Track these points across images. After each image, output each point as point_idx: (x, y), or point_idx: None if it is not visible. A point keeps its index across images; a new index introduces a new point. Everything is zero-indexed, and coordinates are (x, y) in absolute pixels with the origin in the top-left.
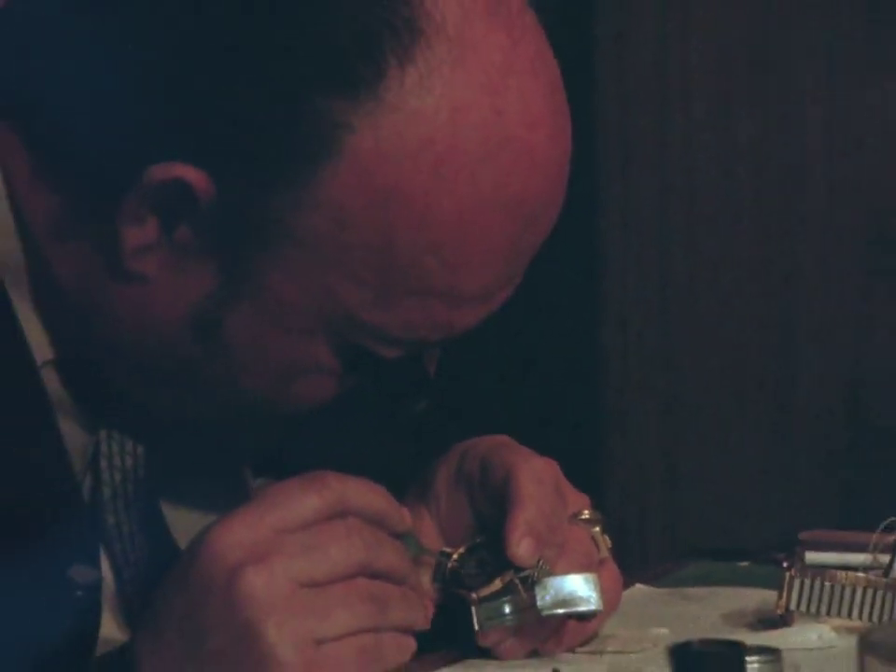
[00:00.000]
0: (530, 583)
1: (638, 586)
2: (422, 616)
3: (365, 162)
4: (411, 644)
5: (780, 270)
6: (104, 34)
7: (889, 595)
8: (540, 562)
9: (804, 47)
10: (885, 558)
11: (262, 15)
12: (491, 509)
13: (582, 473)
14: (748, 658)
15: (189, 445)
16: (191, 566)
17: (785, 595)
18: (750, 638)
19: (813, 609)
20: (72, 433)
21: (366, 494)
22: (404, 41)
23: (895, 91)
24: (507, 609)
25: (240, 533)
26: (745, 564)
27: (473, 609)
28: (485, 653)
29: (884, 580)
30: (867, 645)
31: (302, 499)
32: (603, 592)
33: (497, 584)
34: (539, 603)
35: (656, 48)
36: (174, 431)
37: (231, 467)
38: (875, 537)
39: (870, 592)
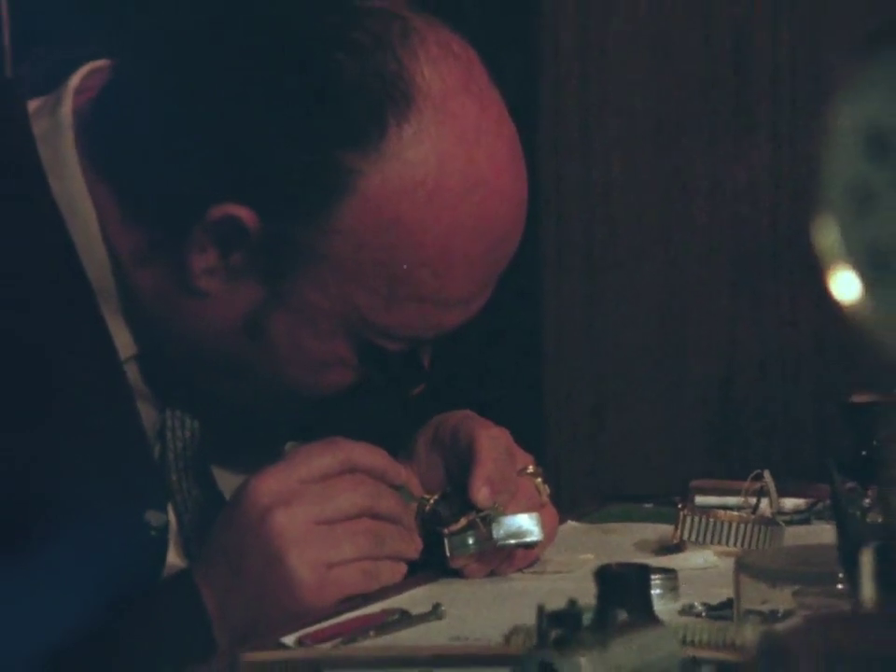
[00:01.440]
0: (488, 521)
1: (570, 522)
2: (412, 549)
3: (373, 199)
4: (402, 569)
5: (671, 289)
6: (179, 108)
7: (756, 528)
8: (496, 505)
9: (695, 125)
10: (753, 500)
11: (297, 95)
12: (458, 466)
13: (527, 436)
14: (652, 576)
15: (234, 420)
16: (234, 509)
17: (679, 528)
18: (654, 562)
19: (700, 540)
20: (146, 411)
21: (369, 455)
22: (401, 107)
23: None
24: (470, 541)
25: (271, 484)
26: (650, 505)
27: (445, 540)
28: (455, 574)
29: (752, 516)
30: (741, 566)
31: (320, 458)
32: (543, 527)
33: (463, 522)
34: (494, 536)
35: (581, 121)
36: (224, 410)
37: (265, 435)
38: (745, 485)
39: (742, 526)
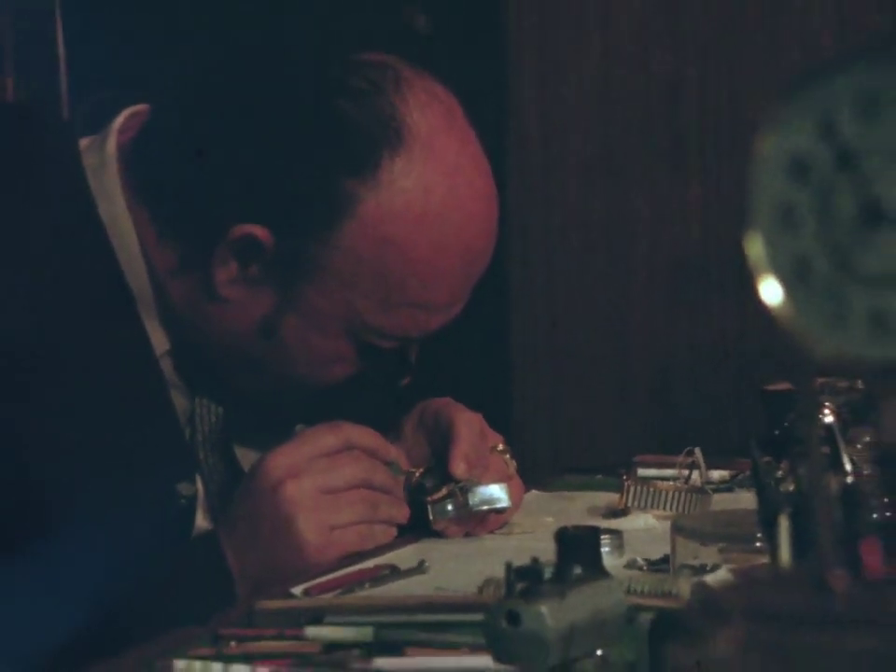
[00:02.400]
0: (465, 491)
1: (533, 491)
2: (402, 514)
3: (370, 220)
4: (393, 531)
5: (618, 297)
6: (206, 146)
7: (688, 496)
8: (471, 477)
9: (636, 162)
10: (686, 472)
11: (306, 133)
12: (440, 444)
13: (497, 418)
14: (602, 537)
15: (252, 406)
16: (251, 481)
17: (624, 496)
18: (603, 524)
19: (642, 505)
20: (178, 400)
21: (365, 435)
22: (394, 144)
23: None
24: (449, 507)
25: (282, 459)
26: (599, 476)
27: (429, 507)
28: (437, 535)
29: (685, 486)
30: (676, 527)
31: (324, 438)
32: (511, 495)
33: (444, 492)
34: (470, 503)
35: (543, 160)
36: (243, 398)
37: (278, 419)
38: (679, 459)
39: (677, 494)
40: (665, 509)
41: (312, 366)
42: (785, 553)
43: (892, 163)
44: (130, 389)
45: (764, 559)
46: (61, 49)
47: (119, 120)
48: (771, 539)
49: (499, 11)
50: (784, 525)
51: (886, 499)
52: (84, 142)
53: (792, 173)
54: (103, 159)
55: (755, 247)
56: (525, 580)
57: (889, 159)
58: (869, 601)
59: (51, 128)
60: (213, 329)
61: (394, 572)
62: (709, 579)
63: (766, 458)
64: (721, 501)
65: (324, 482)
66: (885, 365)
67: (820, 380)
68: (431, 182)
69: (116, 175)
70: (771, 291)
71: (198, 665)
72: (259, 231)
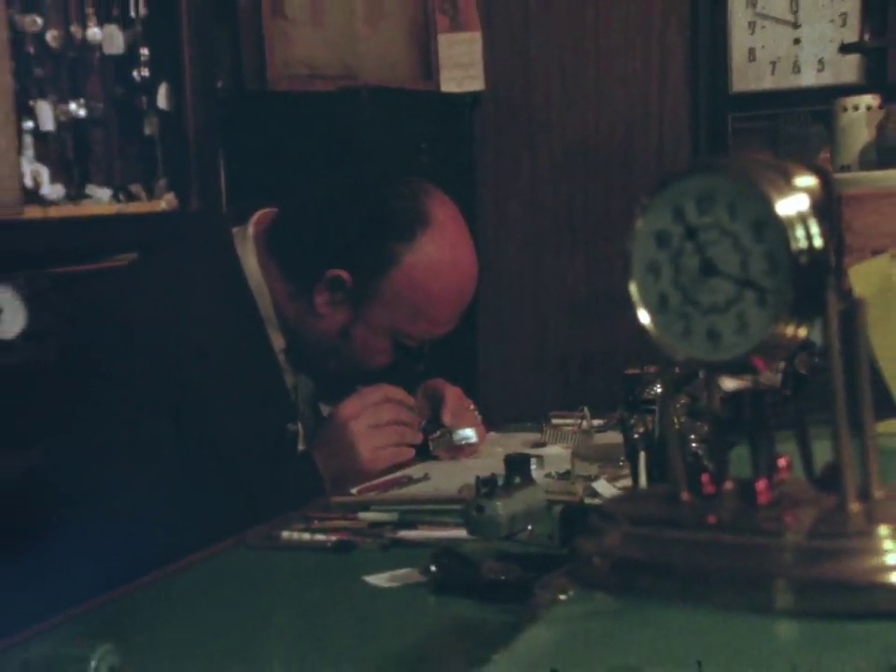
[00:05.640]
0: (450, 432)
1: (491, 433)
2: (418, 439)
3: (407, 270)
4: (412, 452)
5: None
6: (310, 230)
7: (581, 435)
8: (454, 424)
9: None
10: (579, 421)
11: (373, 217)
12: (436, 405)
13: (470, 388)
14: (531, 459)
15: (330, 379)
16: (329, 421)
17: (544, 435)
18: (532, 452)
19: (554, 441)
20: (288, 377)
21: (397, 391)
22: (422, 224)
23: None
24: (442, 442)
25: (348, 408)
26: (529, 423)
27: (430, 442)
28: (435, 458)
29: (579, 429)
30: (574, 453)
31: (373, 393)
32: (478, 435)
33: (438, 433)
34: (454, 439)
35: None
36: (325, 375)
37: (345, 386)
38: (576, 413)
39: (574, 434)
40: (568, 443)
41: (368, 356)
42: (643, 477)
43: (720, 237)
44: (261, 371)
45: (626, 472)
46: (222, 173)
47: (256, 216)
48: (634, 467)
49: (471, 154)
50: (643, 458)
51: (693, 438)
52: (234, 229)
53: (657, 241)
54: (244, 239)
55: (633, 289)
56: (486, 486)
57: (717, 234)
58: (708, 511)
59: (215, 222)
60: (310, 334)
61: (409, 480)
62: (594, 484)
63: (626, 414)
64: (600, 438)
65: (374, 420)
66: (718, 364)
67: (653, 367)
68: (442, 249)
69: (252, 250)
70: (644, 317)
71: (295, 534)
72: (343, 274)
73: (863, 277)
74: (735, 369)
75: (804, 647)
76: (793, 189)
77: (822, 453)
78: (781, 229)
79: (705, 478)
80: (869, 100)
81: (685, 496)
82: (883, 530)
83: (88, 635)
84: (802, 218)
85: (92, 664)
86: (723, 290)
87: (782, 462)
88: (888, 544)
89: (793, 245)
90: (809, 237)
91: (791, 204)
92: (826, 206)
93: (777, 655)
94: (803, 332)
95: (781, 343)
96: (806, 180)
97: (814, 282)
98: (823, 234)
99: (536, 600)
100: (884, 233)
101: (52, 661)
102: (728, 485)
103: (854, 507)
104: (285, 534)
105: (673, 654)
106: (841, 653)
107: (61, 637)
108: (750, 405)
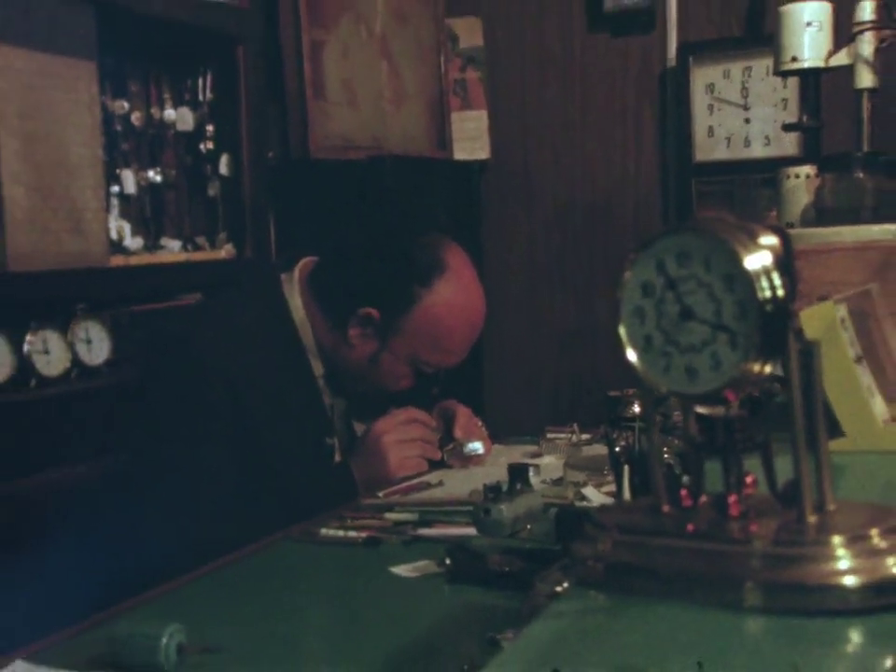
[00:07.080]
0: (462, 445)
1: (496, 445)
2: (436, 455)
3: (426, 308)
4: (428, 464)
5: (548, 348)
6: (349, 277)
7: (571, 447)
8: (465, 437)
9: None
10: (570, 436)
11: (399, 265)
12: (449, 422)
13: (477, 409)
14: (530, 468)
15: (362, 401)
16: (365, 436)
17: (540, 447)
18: (531, 461)
19: (549, 452)
20: (326, 398)
21: (421, 414)
22: (440, 270)
23: None
24: (454, 453)
25: (381, 426)
26: (528, 437)
27: (444, 453)
28: (448, 467)
29: (571, 442)
30: (566, 463)
31: (403, 414)
32: (485, 448)
33: (451, 445)
34: (465, 451)
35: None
36: (358, 396)
37: (377, 407)
38: (568, 429)
39: (567, 446)
40: (560, 454)
41: (392, 380)
42: (626, 489)
43: (696, 288)
44: (303, 394)
45: (611, 480)
46: (272, 228)
47: (301, 263)
48: (618, 477)
49: (478, 212)
50: (626, 471)
51: (666, 450)
52: (282, 275)
53: (643, 291)
54: (291, 282)
55: (622, 331)
56: (492, 492)
57: (694, 285)
58: (687, 521)
59: (266, 269)
60: (345, 361)
61: (428, 486)
62: (583, 490)
63: (611, 430)
64: (588, 450)
65: (402, 436)
66: (695, 396)
67: (632, 390)
68: (457, 291)
69: (297, 289)
70: (631, 355)
71: (331, 531)
72: (373, 312)
73: (812, 320)
74: (709, 400)
75: (768, 640)
76: (758, 247)
77: (782, 467)
78: (749, 281)
79: (683, 493)
80: (807, 169)
81: (667, 508)
82: (835, 539)
83: (159, 615)
84: (766, 272)
85: (164, 640)
86: (700, 333)
87: (749, 479)
88: (840, 551)
89: (760, 295)
90: (773, 288)
91: (757, 260)
92: (786, 261)
93: (743, 647)
94: (768, 368)
95: (749, 379)
96: (769, 239)
97: (777, 326)
98: (784, 286)
99: (536, 590)
100: (827, 282)
101: (130, 637)
102: (703, 499)
103: (811, 519)
104: (322, 531)
105: (660, 645)
106: (799, 645)
107: (137, 617)
108: (722, 431)
